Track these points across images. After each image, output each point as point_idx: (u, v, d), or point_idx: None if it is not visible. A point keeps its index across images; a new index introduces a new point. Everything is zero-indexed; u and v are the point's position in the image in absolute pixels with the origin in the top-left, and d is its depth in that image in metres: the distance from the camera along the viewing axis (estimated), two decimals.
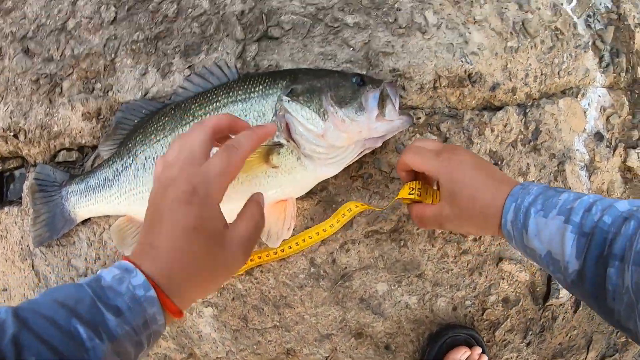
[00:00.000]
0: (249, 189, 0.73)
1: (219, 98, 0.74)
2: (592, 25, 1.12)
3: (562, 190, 0.50)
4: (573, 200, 0.46)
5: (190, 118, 0.75)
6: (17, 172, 1.09)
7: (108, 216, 0.90)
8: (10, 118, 0.99)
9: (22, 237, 1.02)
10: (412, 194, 0.66)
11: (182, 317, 0.40)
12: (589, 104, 1.11)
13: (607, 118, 1.07)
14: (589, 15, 1.12)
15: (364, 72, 0.83)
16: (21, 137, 1.00)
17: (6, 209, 1.05)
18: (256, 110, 0.72)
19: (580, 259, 0.43)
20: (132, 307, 0.35)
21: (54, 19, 0.98)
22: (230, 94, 0.74)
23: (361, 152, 0.76)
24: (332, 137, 0.70)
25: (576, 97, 1.08)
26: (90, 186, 0.86)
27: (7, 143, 1.01)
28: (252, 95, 0.73)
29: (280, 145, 0.71)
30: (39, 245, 0.92)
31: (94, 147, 0.94)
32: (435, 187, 0.69)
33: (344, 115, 0.69)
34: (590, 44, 1.10)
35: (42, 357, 0.29)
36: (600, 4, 1.14)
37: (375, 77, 0.79)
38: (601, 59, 1.15)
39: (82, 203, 0.87)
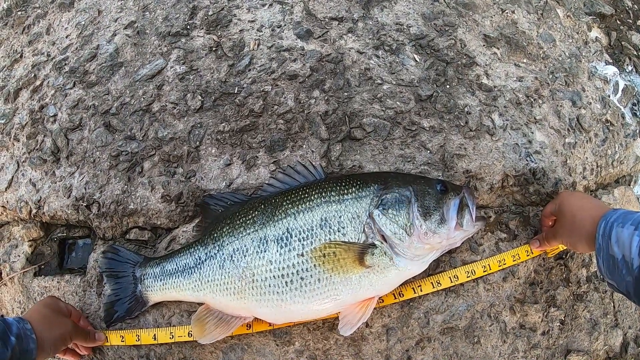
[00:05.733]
0: (342, 289, 0.75)
1: (312, 197, 0.78)
2: (638, 113, 1.20)
3: None
4: None
5: (283, 215, 0.78)
6: (80, 242, 1.10)
7: (180, 301, 0.91)
8: (85, 189, 0.99)
9: (81, 309, 1.01)
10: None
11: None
12: None
13: None
14: (633, 104, 1.20)
15: (441, 176, 0.88)
16: (94, 209, 1.00)
17: (67, 276, 1.03)
18: (350, 212, 0.76)
19: None
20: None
21: (139, 100, 1.03)
22: (324, 194, 0.77)
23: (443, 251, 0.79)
24: (416, 248, 0.74)
25: (629, 185, 1.13)
26: (167, 271, 0.87)
27: (78, 212, 1.01)
28: (345, 197, 0.76)
29: (374, 246, 0.74)
30: (109, 325, 0.91)
31: (169, 230, 0.96)
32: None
33: (427, 228, 0.73)
34: (637, 131, 1.16)
35: None
36: None
37: (454, 184, 0.83)
38: None
39: (156, 287, 0.88)
